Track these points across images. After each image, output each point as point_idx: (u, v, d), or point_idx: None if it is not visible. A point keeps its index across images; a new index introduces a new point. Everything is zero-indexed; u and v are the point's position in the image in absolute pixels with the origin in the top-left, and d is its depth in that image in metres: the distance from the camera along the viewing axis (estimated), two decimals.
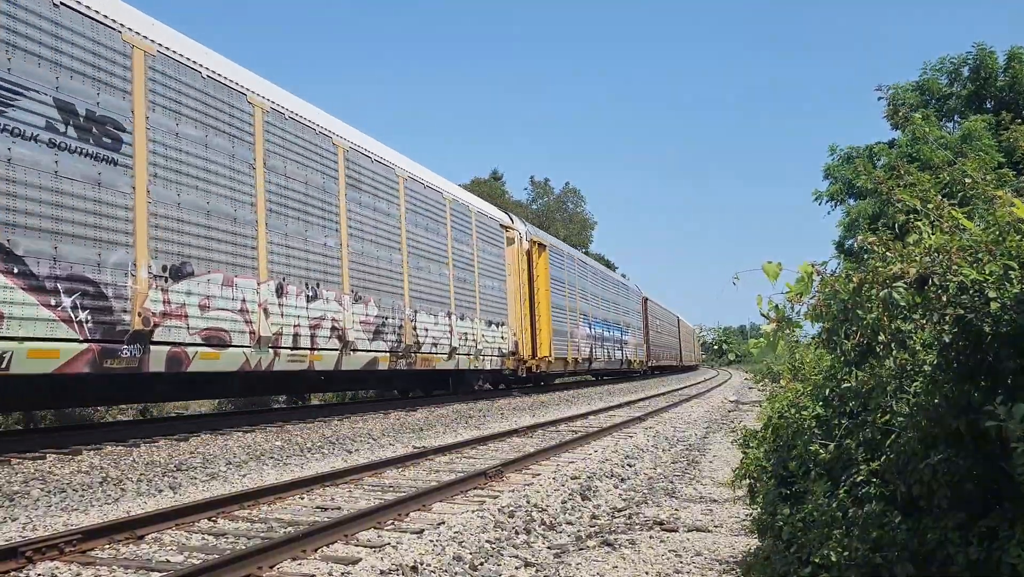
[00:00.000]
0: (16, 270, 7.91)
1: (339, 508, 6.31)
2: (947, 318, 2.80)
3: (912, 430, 2.98)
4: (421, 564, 4.57)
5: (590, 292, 31.42)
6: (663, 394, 25.96)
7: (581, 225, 65.80)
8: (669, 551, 5.34)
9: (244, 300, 11.25)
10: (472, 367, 19.65)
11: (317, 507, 6.40)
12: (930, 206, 3.43)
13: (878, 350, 3.21)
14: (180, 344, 9.97)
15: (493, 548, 5.11)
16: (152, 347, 9.51)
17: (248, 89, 11.98)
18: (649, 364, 44.97)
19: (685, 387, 32.93)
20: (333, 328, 13.52)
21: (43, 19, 8.54)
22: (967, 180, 3.78)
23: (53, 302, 8.27)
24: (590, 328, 30.39)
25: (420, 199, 17.57)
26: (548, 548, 5.35)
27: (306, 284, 12.88)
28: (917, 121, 4.81)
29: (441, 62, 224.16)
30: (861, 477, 3.32)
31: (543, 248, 25.16)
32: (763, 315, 3.41)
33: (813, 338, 3.67)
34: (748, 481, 5.44)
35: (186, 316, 10.13)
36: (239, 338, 11.09)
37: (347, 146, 14.71)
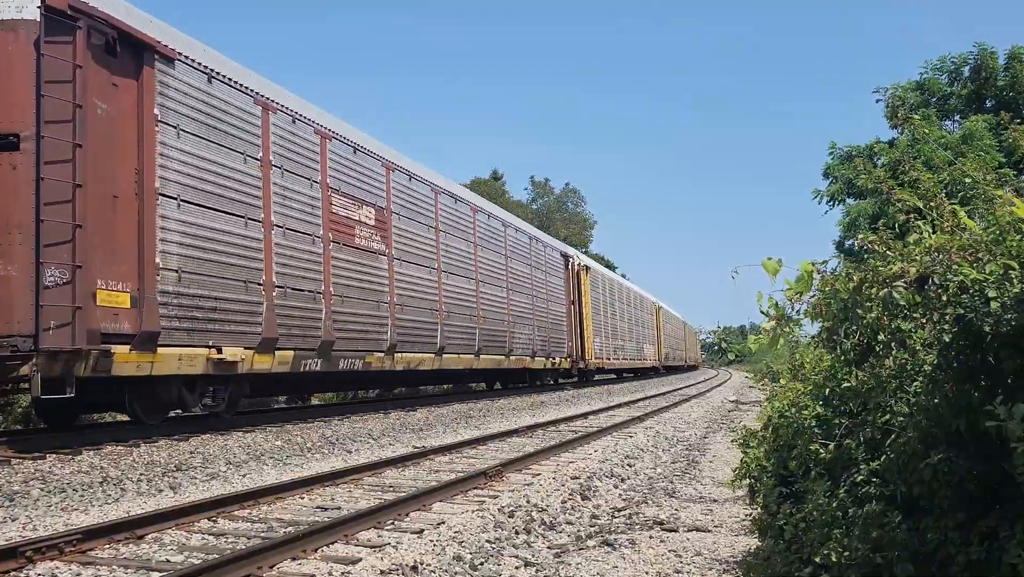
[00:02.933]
0: None
1: (339, 508, 6.31)
2: (947, 318, 2.80)
3: (912, 430, 2.98)
4: (421, 564, 4.57)
5: None
6: (663, 394, 25.97)
7: (581, 225, 65.74)
8: (669, 551, 5.34)
9: None
10: None
11: (317, 507, 6.40)
12: (931, 204, 3.44)
13: (878, 350, 3.21)
14: None
15: (493, 548, 5.11)
16: None
17: None
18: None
19: (685, 387, 32.93)
20: None
21: None
22: (967, 180, 3.79)
23: None
24: None
25: None
26: (548, 548, 5.34)
27: None
28: (916, 122, 4.79)
29: (441, 61, 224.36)
30: (861, 477, 3.32)
31: None
32: (763, 312, 3.41)
33: (813, 337, 3.67)
34: (748, 481, 5.45)
35: None
36: None
37: None
